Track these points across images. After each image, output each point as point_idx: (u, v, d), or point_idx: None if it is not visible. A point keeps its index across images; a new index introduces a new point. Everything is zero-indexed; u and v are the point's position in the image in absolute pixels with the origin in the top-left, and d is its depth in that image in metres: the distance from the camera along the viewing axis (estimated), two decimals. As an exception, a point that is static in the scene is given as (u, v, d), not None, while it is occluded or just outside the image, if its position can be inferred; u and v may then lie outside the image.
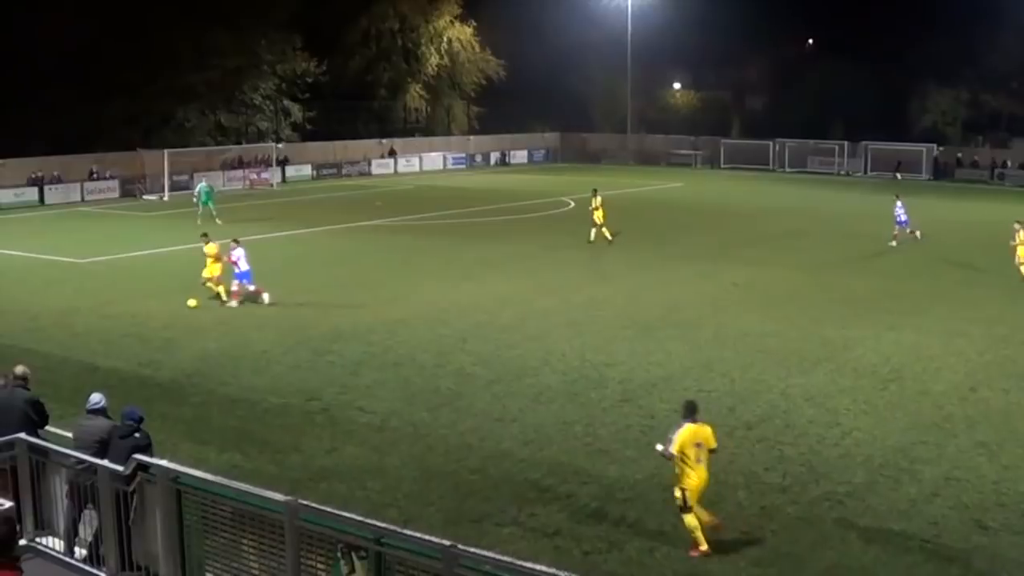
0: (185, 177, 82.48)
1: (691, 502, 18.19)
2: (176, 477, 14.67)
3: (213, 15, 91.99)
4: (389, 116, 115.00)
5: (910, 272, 45.61)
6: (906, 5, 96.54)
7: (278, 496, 13.69)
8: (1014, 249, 44.23)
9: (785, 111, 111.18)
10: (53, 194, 77.58)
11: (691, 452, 18.08)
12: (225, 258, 39.63)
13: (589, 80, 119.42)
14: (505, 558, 12.10)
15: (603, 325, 35.51)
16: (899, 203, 53.71)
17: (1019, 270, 43.66)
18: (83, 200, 77.79)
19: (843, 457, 22.83)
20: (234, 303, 38.77)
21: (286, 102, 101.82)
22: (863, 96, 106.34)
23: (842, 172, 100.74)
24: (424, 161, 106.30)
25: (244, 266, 39.04)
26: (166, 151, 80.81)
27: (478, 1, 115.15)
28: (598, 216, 53.88)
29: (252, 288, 39.09)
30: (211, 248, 40.07)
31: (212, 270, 39.91)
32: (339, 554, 12.69)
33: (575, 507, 20.16)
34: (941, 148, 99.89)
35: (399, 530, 12.82)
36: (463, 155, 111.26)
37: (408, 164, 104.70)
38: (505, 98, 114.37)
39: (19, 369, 18.67)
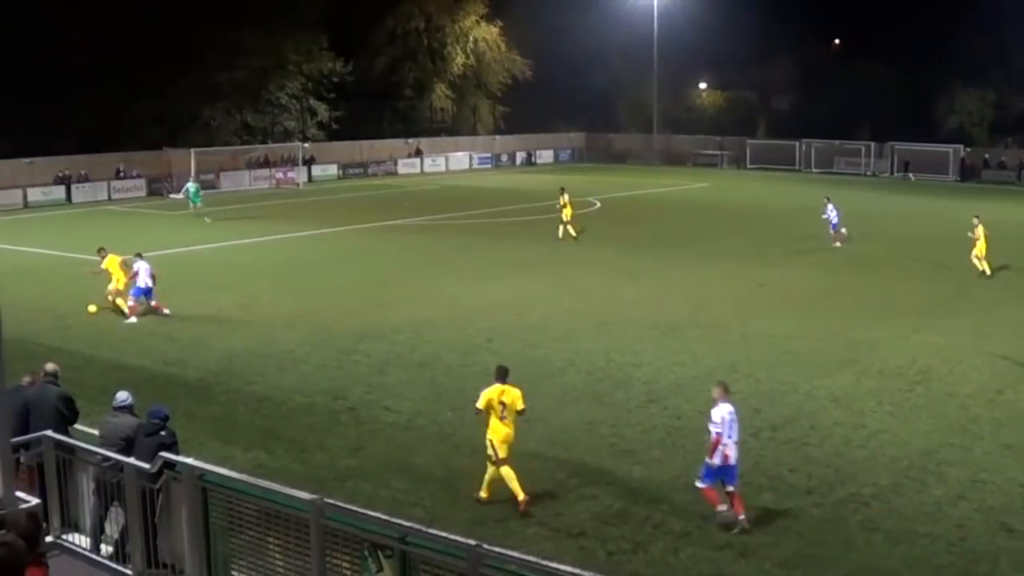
0: (212, 176, 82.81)
1: (501, 454, 20.24)
2: (202, 475, 14.70)
3: (240, 15, 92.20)
4: (415, 116, 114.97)
5: (936, 273, 45.43)
6: (934, 5, 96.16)
7: (304, 495, 13.70)
8: (973, 243, 44.97)
9: (811, 111, 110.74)
10: (80, 193, 77.95)
11: (497, 408, 20.29)
12: (126, 272, 38.31)
13: (615, 80, 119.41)
14: (530, 558, 12.09)
15: (629, 325, 35.48)
16: (830, 205, 54.08)
17: (975, 263, 44.49)
18: (110, 199, 78.10)
19: (869, 459, 22.76)
20: (133, 319, 37.02)
21: (312, 101, 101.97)
22: (890, 97, 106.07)
23: (868, 173, 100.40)
24: (450, 161, 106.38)
25: (143, 282, 37.50)
26: (193, 150, 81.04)
27: (504, 1, 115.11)
28: (566, 214, 54.79)
29: (153, 303, 37.73)
30: (110, 262, 38.91)
31: (119, 281, 38.42)
32: (366, 553, 12.70)
33: (600, 507, 20.15)
34: (968, 149, 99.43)
35: (424, 529, 12.82)
36: (489, 155, 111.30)
37: (434, 164, 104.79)
38: (531, 98, 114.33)
39: (49, 366, 18.78)
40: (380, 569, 12.61)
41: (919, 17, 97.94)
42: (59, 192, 77.47)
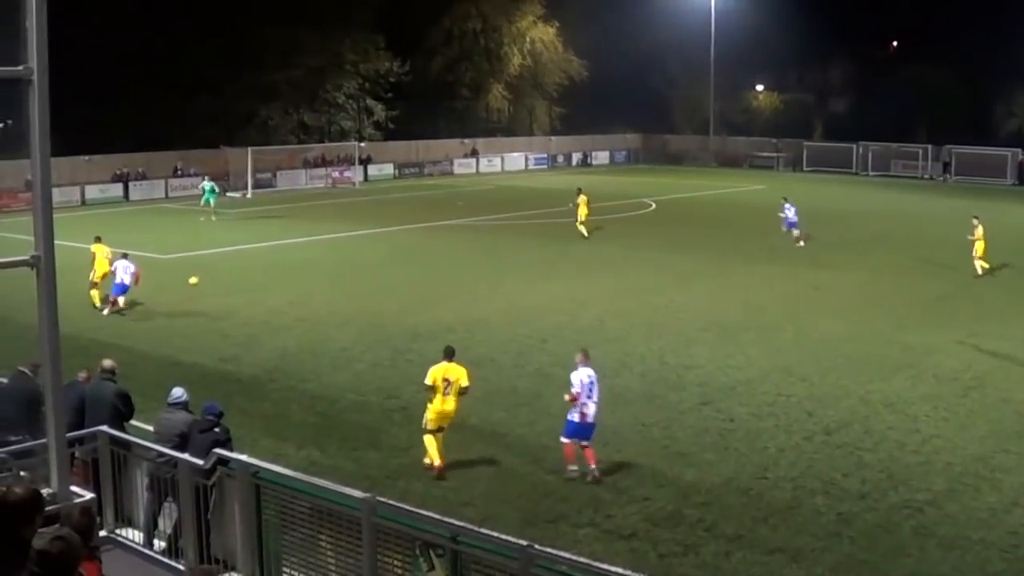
0: (268, 175, 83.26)
1: (430, 426, 22.50)
2: (255, 472, 14.81)
3: (297, 15, 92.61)
4: (471, 116, 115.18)
5: (992, 278, 45.06)
6: (992, 7, 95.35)
7: (356, 493, 13.78)
8: (972, 244, 45.75)
9: (868, 114, 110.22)
10: (137, 190, 78.58)
11: (441, 384, 22.42)
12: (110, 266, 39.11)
13: (671, 81, 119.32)
14: (581, 559, 12.13)
15: (682, 327, 35.42)
16: (787, 205, 54.46)
17: (975, 265, 45.13)
18: (167, 197, 78.63)
19: (923, 464, 22.61)
20: (105, 312, 37.81)
21: (369, 101, 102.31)
22: (947, 99, 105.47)
23: (926, 176, 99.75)
24: (506, 161, 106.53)
25: (119, 278, 38.02)
26: (250, 149, 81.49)
27: (561, 2, 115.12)
28: (581, 213, 56.61)
29: (121, 303, 38.15)
30: (99, 249, 40.08)
31: (99, 272, 39.32)
32: (417, 551, 12.75)
33: (651, 509, 20.12)
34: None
35: (475, 529, 12.87)
36: (545, 155, 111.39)
37: (490, 164, 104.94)
38: (587, 98, 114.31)
39: (107, 363, 18.93)
40: (431, 568, 12.66)
41: (977, 19, 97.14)
42: (117, 190, 78.14)
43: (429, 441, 22.40)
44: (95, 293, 38.94)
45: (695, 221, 57.19)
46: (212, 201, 65.22)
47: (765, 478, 21.70)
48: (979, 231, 45.80)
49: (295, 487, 14.48)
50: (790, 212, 53.74)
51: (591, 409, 22.18)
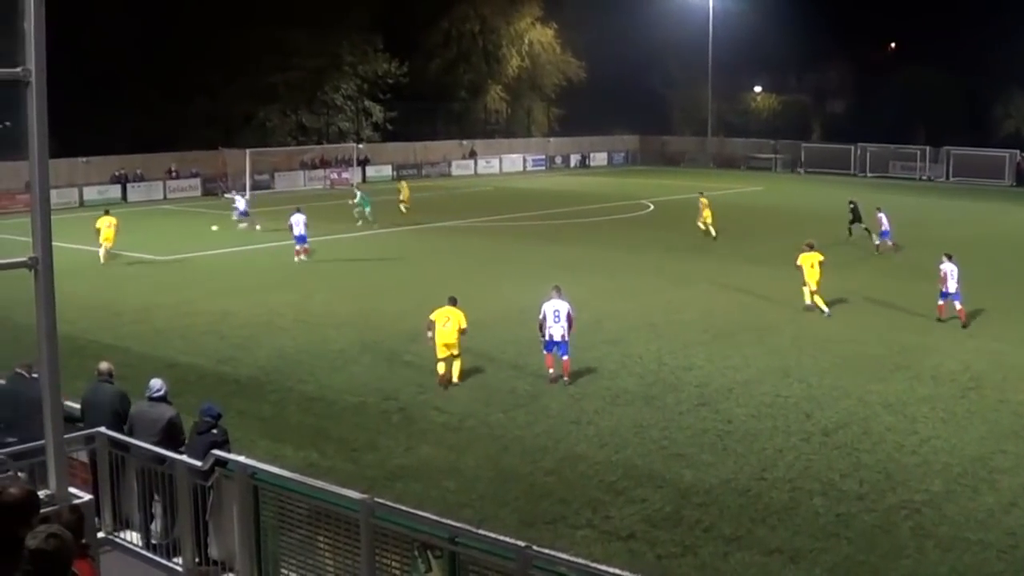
0: (266, 177, 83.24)
1: (439, 355, 28.37)
2: (253, 473, 14.79)
3: (295, 16, 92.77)
4: (469, 117, 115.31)
5: (990, 279, 45.01)
6: (990, 9, 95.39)
7: (354, 494, 13.77)
8: (699, 212, 57.12)
9: (867, 115, 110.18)
10: (136, 192, 78.77)
11: (441, 321, 28.27)
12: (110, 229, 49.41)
13: (669, 83, 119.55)
14: (579, 560, 12.12)
15: (681, 329, 35.43)
16: (881, 214, 53.89)
17: (699, 227, 56.29)
18: (165, 198, 78.78)
19: (921, 465, 22.61)
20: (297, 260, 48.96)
21: (367, 103, 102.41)
22: (946, 101, 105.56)
23: (924, 177, 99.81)
24: (504, 163, 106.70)
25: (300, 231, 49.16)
26: (248, 150, 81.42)
27: (559, 3, 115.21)
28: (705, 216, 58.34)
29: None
30: (102, 222, 50.05)
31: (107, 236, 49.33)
32: (416, 553, 12.74)
33: (650, 511, 20.12)
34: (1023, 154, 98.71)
35: (474, 530, 12.86)
36: (543, 157, 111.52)
37: (488, 165, 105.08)
38: (585, 100, 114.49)
39: (104, 365, 18.87)
40: (429, 569, 12.65)
41: (975, 21, 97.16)
42: (115, 191, 78.31)
43: (439, 366, 28.45)
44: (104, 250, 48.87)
45: (692, 223, 57.12)
46: (367, 208, 62.45)
47: (763, 479, 21.70)
48: (704, 204, 57.51)
49: (293, 488, 14.47)
50: (884, 221, 52.98)
51: (557, 331, 28.26)
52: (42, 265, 11.35)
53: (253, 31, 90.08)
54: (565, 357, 28.55)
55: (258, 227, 58.73)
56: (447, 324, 28.25)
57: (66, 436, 12.90)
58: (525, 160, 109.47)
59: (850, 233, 55.15)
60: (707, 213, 57.67)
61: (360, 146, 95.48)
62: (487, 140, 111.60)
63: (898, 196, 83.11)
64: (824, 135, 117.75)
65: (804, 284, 38.19)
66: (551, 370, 28.57)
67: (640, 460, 22.93)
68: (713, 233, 56.74)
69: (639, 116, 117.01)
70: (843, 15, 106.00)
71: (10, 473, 13.28)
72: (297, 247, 49.57)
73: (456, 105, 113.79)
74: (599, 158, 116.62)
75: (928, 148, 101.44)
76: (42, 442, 12.23)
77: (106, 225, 49.25)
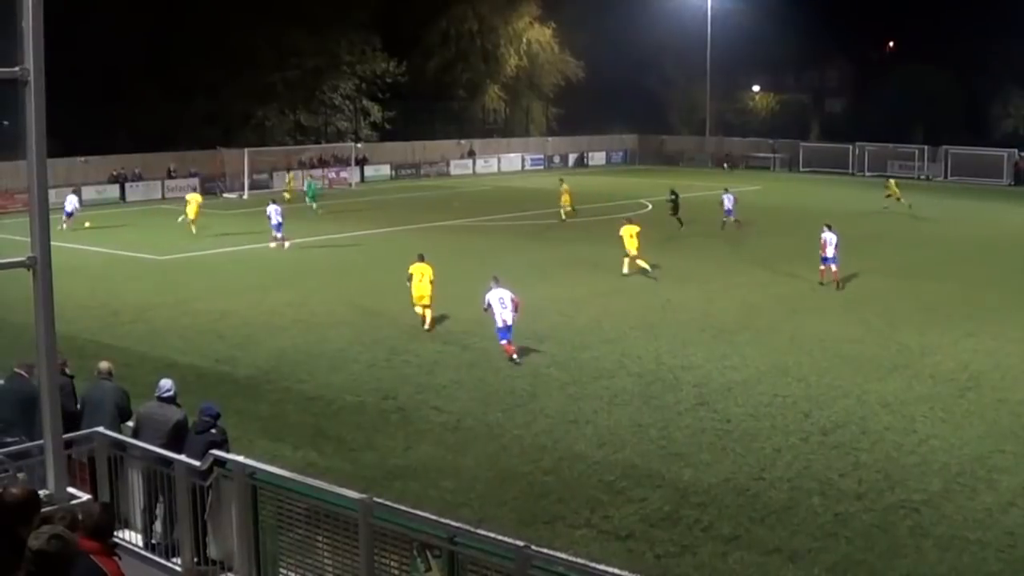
0: (265, 176, 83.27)
1: (415, 303, 35.12)
2: (252, 473, 14.79)
3: (293, 15, 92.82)
4: (467, 117, 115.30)
5: (989, 279, 45.10)
6: (988, 8, 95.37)
7: (353, 494, 13.76)
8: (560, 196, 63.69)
9: (865, 114, 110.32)
10: (134, 191, 78.80)
11: (417, 276, 34.94)
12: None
13: (668, 82, 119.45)
14: (578, 560, 12.12)
15: (679, 328, 35.44)
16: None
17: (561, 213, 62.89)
18: (163, 197, 78.74)
19: (919, 464, 22.60)
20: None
21: (365, 102, 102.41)
22: (944, 100, 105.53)
23: (922, 176, 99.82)
24: (502, 162, 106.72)
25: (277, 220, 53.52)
26: (246, 150, 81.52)
27: (557, 2, 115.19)
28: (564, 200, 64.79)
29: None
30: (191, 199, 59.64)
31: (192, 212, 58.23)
32: (415, 552, 12.74)
33: (648, 510, 20.12)
34: (1022, 154, 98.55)
35: (472, 530, 12.86)
36: (541, 156, 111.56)
37: (486, 165, 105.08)
38: (583, 99, 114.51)
39: (103, 365, 18.87)
40: (428, 569, 12.65)
41: (974, 20, 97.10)
42: (113, 191, 78.34)
43: (417, 311, 35.16)
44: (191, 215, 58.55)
45: (690, 221, 57.16)
46: (312, 197, 68.81)
47: (762, 478, 21.69)
48: (565, 187, 64.61)
49: (292, 488, 14.47)
50: (728, 201, 55.91)
51: (508, 316, 30.70)
52: (40, 265, 11.36)
53: (252, 30, 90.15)
54: (506, 341, 30.84)
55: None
56: (423, 279, 34.81)
57: (65, 436, 12.91)
58: (524, 159, 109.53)
59: (680, 224, 59.24)
60: (566, 199, 64.59)
61: (358, 145, 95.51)
62: (486, 139, 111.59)
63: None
64: (822, 134, 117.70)
65: (625, 255, 43.83)
66: (515, 355, 30.73)
67: (639, 459, 22.93)
68: (563, 216, 64.01)
69: (638, 115, 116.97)
70: (841, 14, 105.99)
71: (10, 473, 13.30)
72: (276, 235, 53.43)
73: (454, 104, 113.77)
74: (597, 157, 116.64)
75: (926, 147, 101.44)
76: (41, 442, 12.24)
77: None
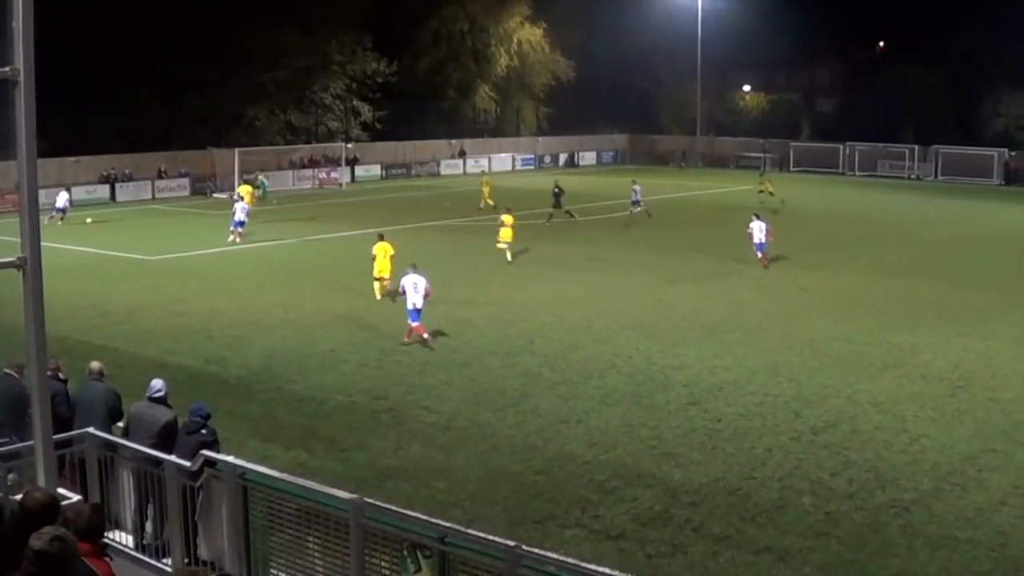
0: (255, 176, 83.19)
1: (377, 276, 39.07)
2: (243, 473, 14.77)
3: (284, 15, 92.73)
4: (458, 116, 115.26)
5: (980, 278, 45.19)
6: (979, 8, 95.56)
7: (343, 494, 13.76)
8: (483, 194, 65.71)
9: (856, 114, 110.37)
10: (125, 191, 78.53)
11: (379, 255, 39.16)
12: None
13: (658, 82, 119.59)
14: (569, 559, 12.12)
15: (670, 328, 35.45)
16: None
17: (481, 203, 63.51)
18: (154, 198, 78.61)
19: (910, 464, 22.63)
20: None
21: (356, 102, 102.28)
22: (934, 100, 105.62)
23: (912, 176, 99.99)
24: (493, 162, 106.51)
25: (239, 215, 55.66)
26: (237, 150, 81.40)
27: (548, 2, 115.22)
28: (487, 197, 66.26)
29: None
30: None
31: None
32: (405, 553, 12.73)
33: (639, 510, 20.12)
34: (1012, 153, 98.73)
35: (463, 530, 12.85)
36: (532, 156, 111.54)
37: (477, 165, 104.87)
38: (574, 99, 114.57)
39: (95, 365, 18.81)
40: (419, 569, 12.64)
41: (964, 20, 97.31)
42: (103, 191, 78.08)
43: (375, 286, 39.27)
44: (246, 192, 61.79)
45: (682, 222, 57.31)
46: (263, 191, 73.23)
47: (752, 478, 21.71)
48: (486, 183, 67.29)
49: (282, 488, 14.45)
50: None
51: (418, 300, 32.61)
52: (30, 265, 11.34)
53: (242, 31, 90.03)
54: (417, 323, 32.81)
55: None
56: (384, 256, 39.11)
57: (55, 437, 12.89)
58: (514, 159, 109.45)
59: (551, 216, 61.49)
60: (486, 190, 68.50)
61: (349, 145, 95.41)
62: (476, 139, 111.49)
63: (886, 195, 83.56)
64: (813, 134, 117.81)
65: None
66: (427, 335, 32.74)
67: (630, 459, 22.94)
68: (489, 204, 66.05)
69: (628, 115, 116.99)
70: (832, 14, 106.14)
71: (1, 474, 13.27)
72: (232, 229, 55.80)
73: (445, 104, 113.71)
74: (588, 157, 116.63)
75: (917, 147, 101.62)
76: (31, 443, 12.22)
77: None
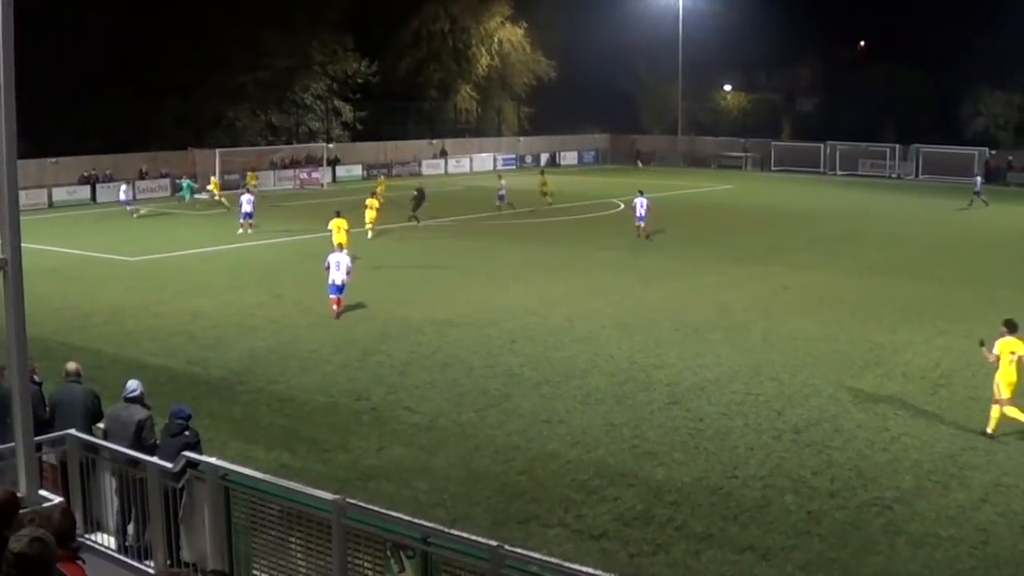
0: (236, 176, 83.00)
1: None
2: (224, 475, 14.73)
3: (265, 16, 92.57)
4: (439, 116, 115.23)
5: (961, 277, 45.32)
6: (959, 7, 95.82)
7: (325, 495, 13.73)
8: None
9: (836, 113, 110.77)
10: (105, 192, 78.18)
11: (335, 230, 44.21)
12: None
13: (639, 81, 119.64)
14: (551, 559, 12.11)
15: (652, 327, 35.46)
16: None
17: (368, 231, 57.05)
18: (135, 199, 78.32)
19: (891, 462, 22.68)
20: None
21: (337, 102, 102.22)
22: (915, 99, 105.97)
23: (893, 175, 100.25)
24: (474, 162, 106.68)
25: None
26: (218, 150, 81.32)
27: (529, 2, 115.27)
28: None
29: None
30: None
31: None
32: (388, 553, 12.72)
33: (622, 509, 20.13)
34: (993, 152, 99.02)
35: (446, 530, 12.83)
36: (513, 156, 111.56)
37: (458, 165, 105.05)
38: (555, 99, 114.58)
39: (71, 366, 18.71)
40: (402, 569, 12.62)
41: (945, 19, 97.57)
42: (84, 192, 77.85)
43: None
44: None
45: (663, 221, 57.25)
46: (187, 197, 73.71)
47: (735, 477, 21.73)
48: (378, 190, 63.63)
49: (265, 489, 14.41)
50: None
51: (338, 277, 36.48)
52: (11, 267, 11.31)
53: (223, 30, 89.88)
54: (340, 295, 36.89)
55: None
56: (339, 231, 45.40)
57: (36, 439, 12.86)
58: (496, 159, 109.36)
59: (417, 220, 61.59)
60: (382, 188, 66.38)
61: (330, 146, 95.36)
62: (457, 139, 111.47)
63: (867, 194, 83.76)
64: (794, 133, 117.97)
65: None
66: (335, 307, 36.80)
67: (612, 459, 22.94)
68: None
69: (609, 115, 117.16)
70: (813, 13, 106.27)
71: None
72: (242, 221, 59.16)
73: (426, 104, 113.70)
74: (569, 157, 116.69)
75: (898, 146, 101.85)
76: (11, 444, 12.18)
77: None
